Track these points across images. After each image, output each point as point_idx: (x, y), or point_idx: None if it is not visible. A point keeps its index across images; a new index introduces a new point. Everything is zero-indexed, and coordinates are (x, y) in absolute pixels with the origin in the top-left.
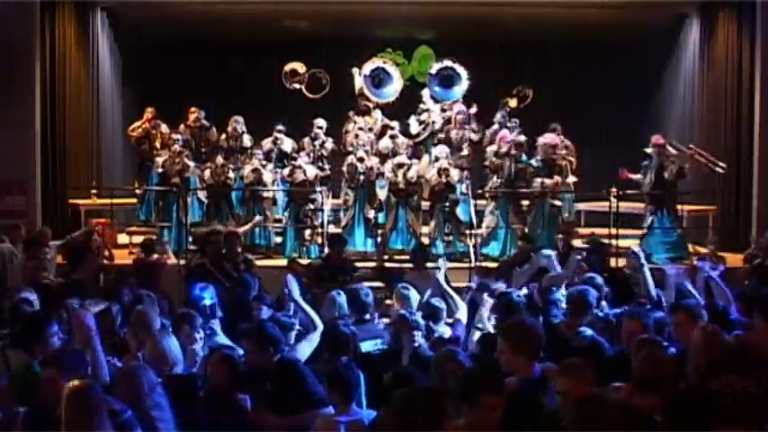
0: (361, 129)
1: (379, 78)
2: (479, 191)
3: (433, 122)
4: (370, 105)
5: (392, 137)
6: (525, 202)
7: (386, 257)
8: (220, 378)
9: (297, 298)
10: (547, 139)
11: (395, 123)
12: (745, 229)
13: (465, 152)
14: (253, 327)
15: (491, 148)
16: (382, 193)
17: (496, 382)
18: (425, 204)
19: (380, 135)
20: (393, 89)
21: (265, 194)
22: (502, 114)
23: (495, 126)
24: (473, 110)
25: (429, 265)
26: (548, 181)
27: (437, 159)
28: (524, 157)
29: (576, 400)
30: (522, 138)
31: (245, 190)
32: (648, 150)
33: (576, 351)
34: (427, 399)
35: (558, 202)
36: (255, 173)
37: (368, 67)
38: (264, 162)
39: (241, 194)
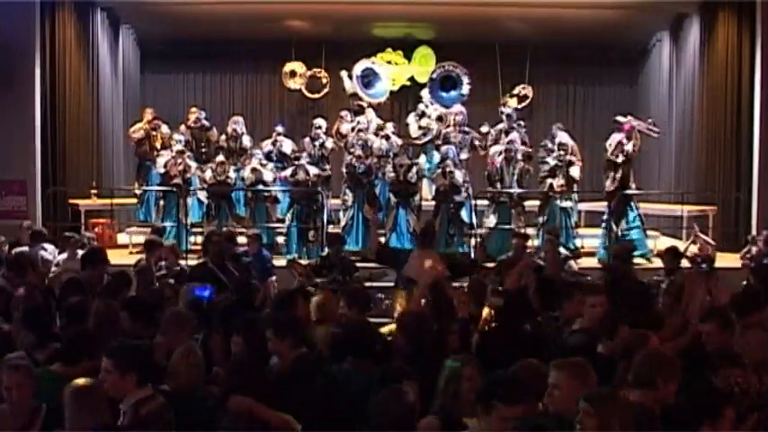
0: (360, 131)
1: (368, 79)
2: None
3: (431, 129)
4: (364, 105)
5: (386, 137)
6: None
7: None
8: None
9: None
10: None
11: (389, 124)
12: (746, 229)
13: (465, 155)
14: None
15: (495, 148)
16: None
17: (515, 393)
18: (426, 204)
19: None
20: (383, 88)
21: (267, 194)
22: (508, 115)
23: (502, 126)
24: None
25: None
26: (555, 182)
27: (443, 160)
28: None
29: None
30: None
31: (246, 190)
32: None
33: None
34: None
35: (567, 204)
36: (255, 173)
37: (358, 68)
38: (265, 162)
39: (243, 195)
